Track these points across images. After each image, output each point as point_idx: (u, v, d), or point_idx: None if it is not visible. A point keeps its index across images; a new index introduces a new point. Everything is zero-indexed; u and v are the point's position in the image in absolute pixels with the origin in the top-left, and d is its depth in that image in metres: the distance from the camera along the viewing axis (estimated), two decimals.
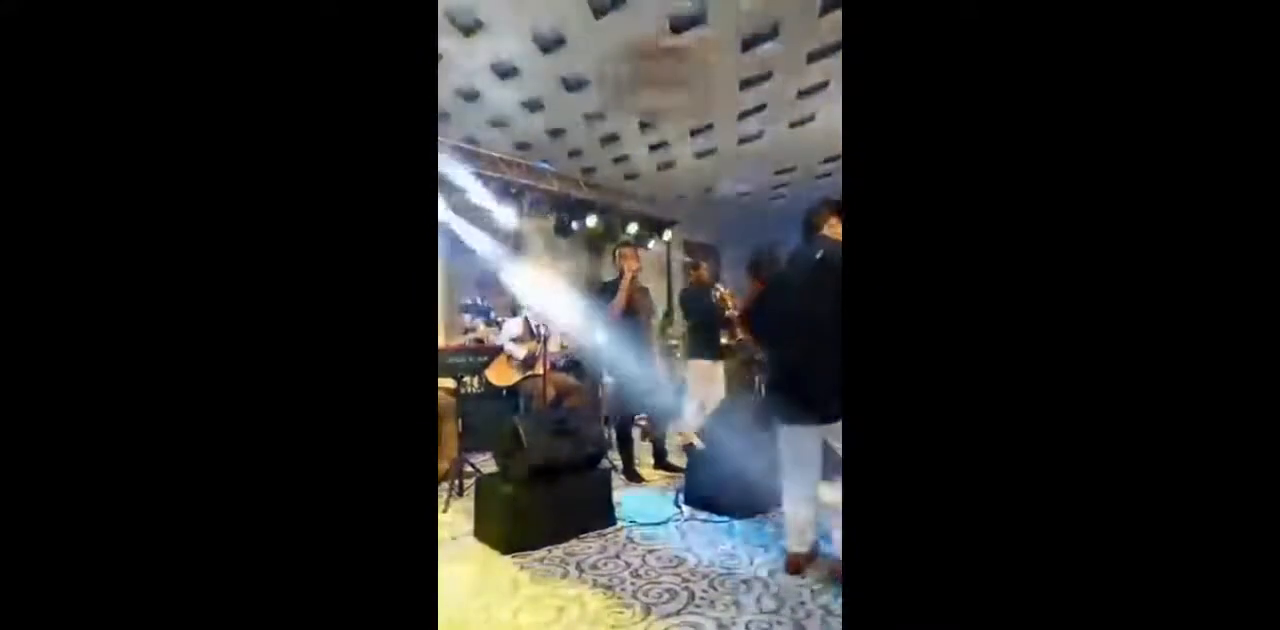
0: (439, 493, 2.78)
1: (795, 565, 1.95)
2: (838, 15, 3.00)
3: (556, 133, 4.50)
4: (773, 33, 3.21)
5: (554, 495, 2.35)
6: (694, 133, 4.59)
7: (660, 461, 3.53)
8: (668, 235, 6.10)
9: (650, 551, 2.19)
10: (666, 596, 1.79)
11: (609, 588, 1.87)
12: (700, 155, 5.06)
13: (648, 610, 1.71)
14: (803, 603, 1.73)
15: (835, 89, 3.81)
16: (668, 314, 5.77)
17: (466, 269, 4.63)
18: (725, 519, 2.52)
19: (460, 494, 2.90)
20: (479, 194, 4.36)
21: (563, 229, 5.18)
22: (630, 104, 3.99)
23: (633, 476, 3.27)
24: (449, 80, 3.56)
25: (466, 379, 3.37)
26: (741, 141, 4.78)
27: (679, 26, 3.11)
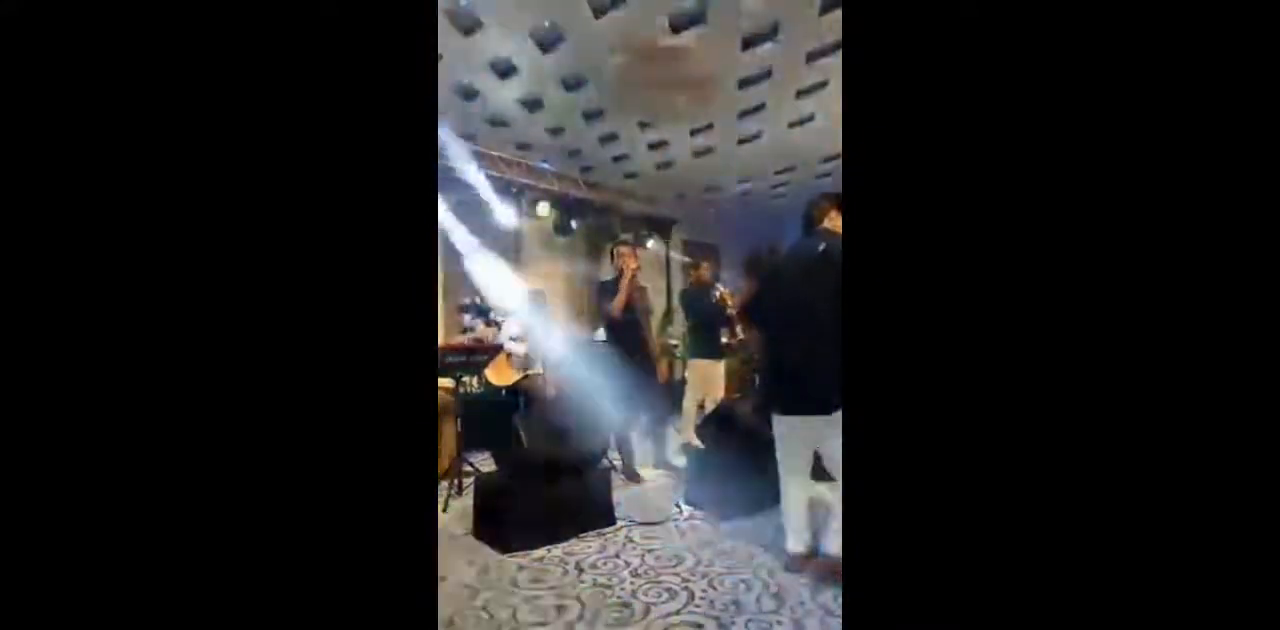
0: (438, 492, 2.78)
1: (795, 564, 1.95)
2: (837, 15, 3.00)
3: (556, 132, 4.50)
4: (772, 32, 3.21)
5: (554, 495, 2.35)
6: (693, 132, 4.59)
7: (660, 461, 3.53)
8: (667, 234, 6.11)
9: (650, 551, 2.19)
10: (666, 596, 1.80)
11: (609, 587, 1.87)
12: (699, 154, 5.06)
13: (647, 610, 1.71)
14: (802, 602, 1.73)
15: (835, 88, 3.81)
16: (667, 313, 5.77)
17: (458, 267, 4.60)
18: (725, 518, 2.52)
19: (459, 493, 2.90)
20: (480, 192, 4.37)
21: (562, 228, 5.18)
22: (630, 103, 3.99)
23: (633, 476, 3.27)
24: (448, 79, 3.55)
25: (466, 379, 3.37)
26: (741, 141, 4.78)
27: (678, 26, 3.10)
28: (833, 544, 1.86)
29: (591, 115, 4.21)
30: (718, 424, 2.90)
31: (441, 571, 1.97)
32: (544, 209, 5.15)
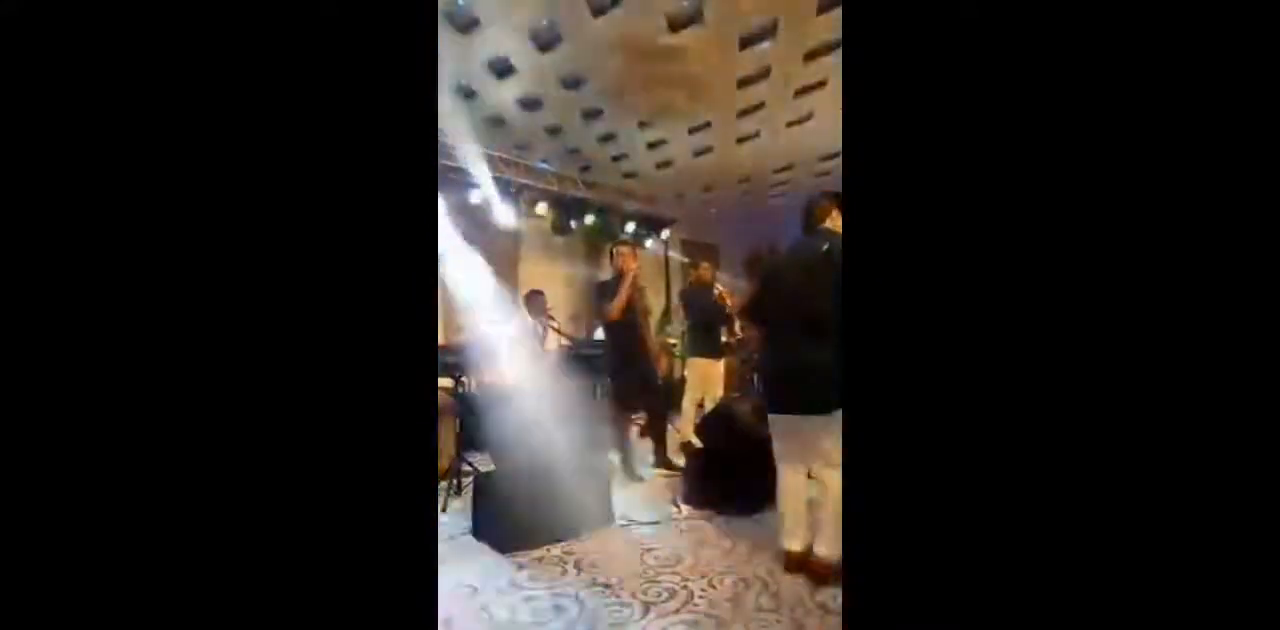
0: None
1: (793, 563, 1.95)
2: (835, 14, 3.01)
3: (554, 131, 4.50)
4: (770, 31, 3.21)
5: (554, 495, 2.35)
6: (692, 131, 4.58)
7: (660, 460, 3.53)
8: (666, 234, 6.10)
9: (650, 551, 2.19)
10: (666, 595, 1.80)
11: (608, 587, 1.87)
12: (698, 154, 5.06)
13: (647, 609, 1.71)
14: (802, 602, 1.74)
15: (833, 87, 3.81)
16: (666, 312, 5.77)
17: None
18: (724, 518, 2.52)
19: (459, 493, 2.90)
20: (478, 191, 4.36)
21: (560, 228, 5.17)
22: (628, 102, 3.99)
23: (633, 476, 3.27)
24: (445, 78, 3.55)
25: (465, 378, 3.36)
26: (740, 140, 4.78)
27: (677, 25, 3.10)
28: (830, 544, 1.86)
29: (590, 115, 4.21)
30: (717, 423, 2.90)
31: (441, 571, 1.97)
32: (543, 209, 5.14)
